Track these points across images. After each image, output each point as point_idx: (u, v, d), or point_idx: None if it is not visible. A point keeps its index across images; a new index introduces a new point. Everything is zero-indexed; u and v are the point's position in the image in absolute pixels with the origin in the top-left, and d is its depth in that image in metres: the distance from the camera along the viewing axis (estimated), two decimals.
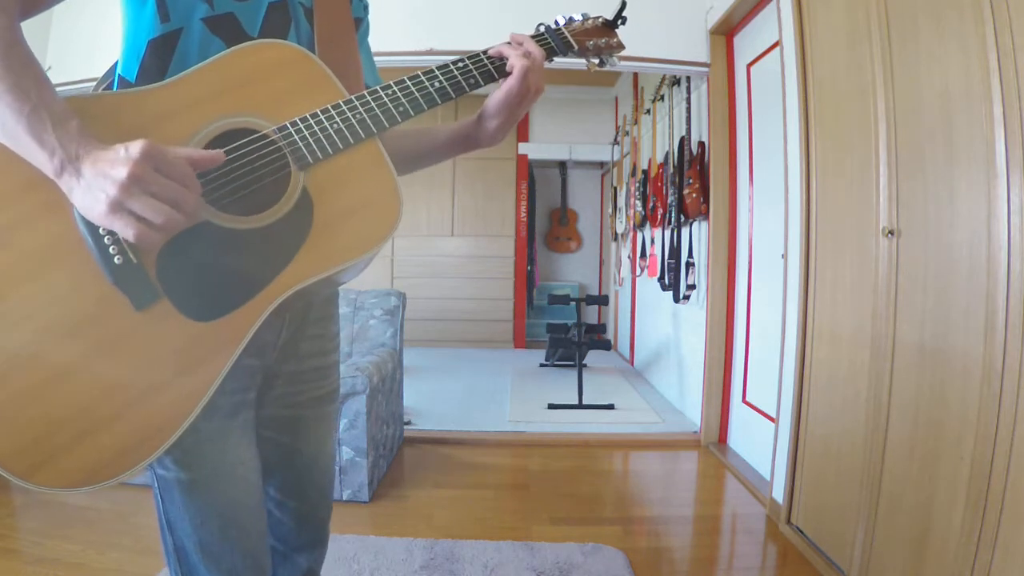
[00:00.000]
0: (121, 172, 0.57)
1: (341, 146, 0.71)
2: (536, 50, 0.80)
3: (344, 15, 0.85)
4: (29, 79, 0.59)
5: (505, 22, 2.94)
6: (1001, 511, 1.18)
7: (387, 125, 0.73)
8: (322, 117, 0.71)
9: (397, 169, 0.94)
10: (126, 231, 0.59)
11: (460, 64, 0.78)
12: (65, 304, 0.62)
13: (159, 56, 0.72)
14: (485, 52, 0.80)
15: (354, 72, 0.84)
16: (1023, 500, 1.13)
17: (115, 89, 0.74)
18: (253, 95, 0.70)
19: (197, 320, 0.65)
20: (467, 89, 0.78)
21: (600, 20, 0.89)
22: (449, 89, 0.77)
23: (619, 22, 0.89)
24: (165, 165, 0.59)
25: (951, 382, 1.34)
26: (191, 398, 0.64)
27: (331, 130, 0.70)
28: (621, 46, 0.89)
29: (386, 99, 0.74)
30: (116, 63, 0.76)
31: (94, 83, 0.80)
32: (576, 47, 0.86)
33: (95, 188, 0.58)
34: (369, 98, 0.73)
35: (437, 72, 0.77)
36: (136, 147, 0.58)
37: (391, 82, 0.75)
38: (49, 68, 3.07)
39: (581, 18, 0.88)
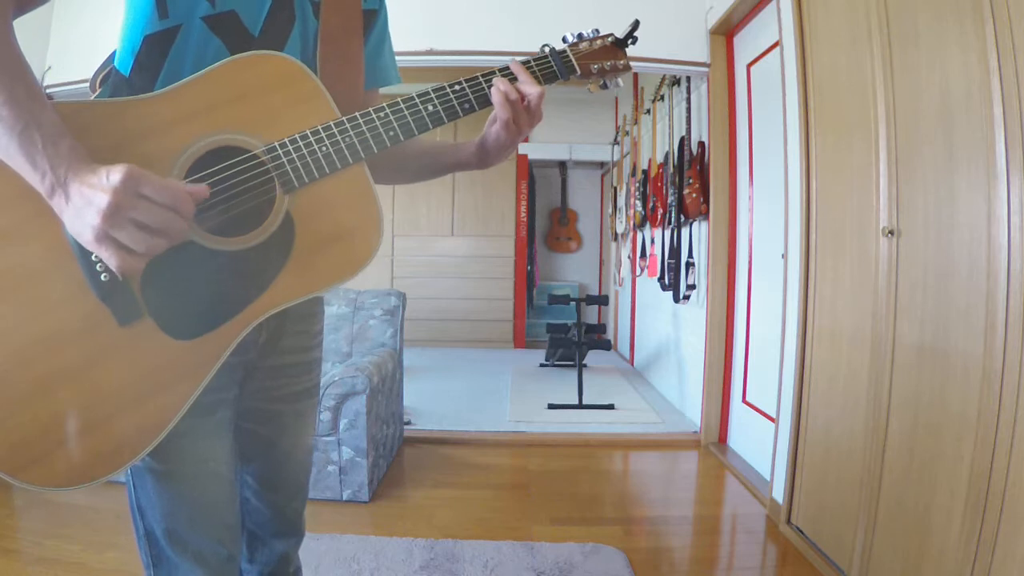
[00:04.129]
0: (103, 200, 0.57)
1: (328, 171, 0.70)
2: (533, 92, 0.77)
3: (354, 9, 0.83)
4: (22, 91, 0.59)
5: (505, 23, 2.94)
6: (1001, 511, 1.18)
7: (375, 150, 0.72)
8: (312, 139, 0.70)
9: (415, 178, 0.96)
10: (110, 261, 0.60)
11: (456, 87, 0.76)
12: (53, 316, 0.63)
13: (154, 53, 0.71)
14: (484, 75, 0.78)
15: (355, 72, 0.83)
16: (1023, 500, 1.13)
17: (111, 81, 0.74)
18: (246, 111, 0.70)
19: (177, 339, 0.66)
20: (461, 114, 0.76)
21: (611, 39, 0.85)
22: (443, 113, 0.75)
23: (630, 42, 0.86)
24: (151, 190, 0.59)
25: (951, 382, 1.34)
26: (168, 411, 0.67)
27: (319, 154, 0.70)
28: (628, 68, 0.86)
29: (378, 123, 0.73)
30: (114, 52, 0.75)
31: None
32: (579, 71, 0.82)
33: (82, 215, 0.58)
34: (361, 120, 0.72)
35: (432, 95, 0.75)
36: (117, 174, 0.57)
37: (384, 104, 0.74)
38: (49, 68, 3.07)
39: (591, 35, 0.84)
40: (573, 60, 0.82)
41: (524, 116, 0.78)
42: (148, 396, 0.66)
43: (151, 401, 0.66)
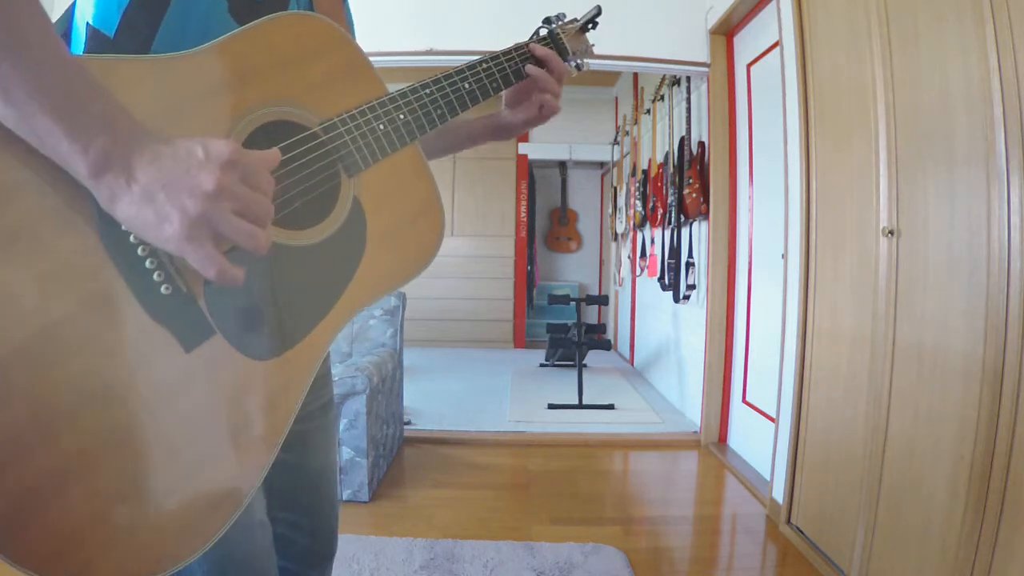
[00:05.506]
0: (206, 182, 0.44)
1: (389, 151, 0.65)
2: (562, 71, 0.80)
3: None
4: (45, 37, 0.43)
5: (505, 23, 2.94)
6: (1001, 511, 1.18)
7: (428, 128, 0.69)
8: (370, 116, 0.64)
9: (432, 155, 0.90)
10: (207, 264, 0.46)
11: (484, 65, 0.75)
12: (90, 355, 0.46)
13: (148, 8, 0.59)
14: (504, 54, 0.78)
15: None
16: (1023, 500, 1.13)
17: (82, 43, 0.60)
18: (295, 80, 0.60)
19: (257, 358, 0.54)
20: (491, 93, 0.75)
21: (579, 24, 0.88)
22: (478, 92, 0.74)
23: (591, 26, 0.88)
24: (251, 175, 0.48)
25: (951, 382, 1.34)
26: (260, 454, 0.54)
27: (379, 132, 0.64)
28: (593, 52, 0.90)
29: (426, 99, 0.69)
30: (72, 9, 0.61)
31: None
32: (569, 53, 0.85)
33: (162, 201, 0.44)
34: (412, 97, 0.68)
35: (467, 72, 0.74)
36: (223, 149, 0.46)
37: (428, 80, 0.71)
38: None
39: (561, 20, 0.87)
40: (565, 42, 0.84)
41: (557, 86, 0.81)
42: (235, 437, 0.53)
43: (239, 442, 0.53)
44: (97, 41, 0.59)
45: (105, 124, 0.44)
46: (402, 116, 0.66)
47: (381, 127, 0.64)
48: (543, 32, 0.84)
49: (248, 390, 0.54)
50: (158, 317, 0.49)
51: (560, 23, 0.86)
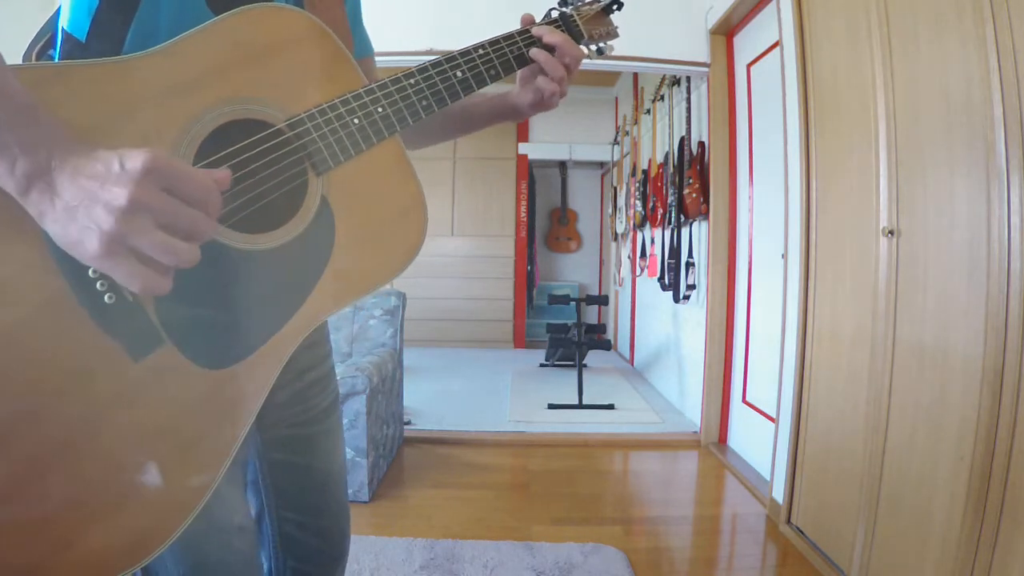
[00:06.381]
0: (119, 196, 0.43)
1: (364, 147, 0.61)
2: (576, 57, 0.74)
3: None
4: None
5: (506, 23, 2.94)
6: (1001, 511, 1.18)
7: (410, 122, 0.64)
8: (343, 111, 0.61)
9: (430, 139, 0.86)
10: (131, 280, 0.45)
11: (481, 52, 0.71)
12: (34, 367, 0.46)
13: (118, 9, 0.58)
14: (505, 39, 0.73)
15: (343, 36, 0.75)
16: (1023, 500, 1.13)
17: (58, 48, 0.60)
18: (262, 75, 0.57)
19: (209, 368, 0.53)
20: (488, 82, 0.71)
21: (599, 5, 0.82)
22: (472, 81, 0.69)
23: (615, 7, 0.84)
24: (179, 183, 0.46)
25: (951, 382, 1.34)
26: (206, 471, 0.52)
27: (353, 127, 0.61)
28: (617, 33, 0.84)
29: (410, 90, 0.65)
30: (57, 13, 0.61)
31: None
32: (585, 36, 0.80)
33: (81, 216, 0.43)
34: (392, 88, 0.64)
35: (460, 60, 0.69)
36: (137, 160, 0.44)
37: (413, 69, 0.67)
38: None
39: (580, 2, 0.82)
40: (581, 26, 0.79)
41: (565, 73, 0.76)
42: (181, 452, 0.51)
43: (184, 458, 0.51)
44: (70, 45, 0.59)
45: (31, 142, 0.43)
46: (380, 109, 0.62)
47: (355, 122, 0.61)
48: (555, 14, 0.80)
49: (200, 400, 0.53)
50: (104, 327, 0.49)
51: (577, 4, 0.81)
